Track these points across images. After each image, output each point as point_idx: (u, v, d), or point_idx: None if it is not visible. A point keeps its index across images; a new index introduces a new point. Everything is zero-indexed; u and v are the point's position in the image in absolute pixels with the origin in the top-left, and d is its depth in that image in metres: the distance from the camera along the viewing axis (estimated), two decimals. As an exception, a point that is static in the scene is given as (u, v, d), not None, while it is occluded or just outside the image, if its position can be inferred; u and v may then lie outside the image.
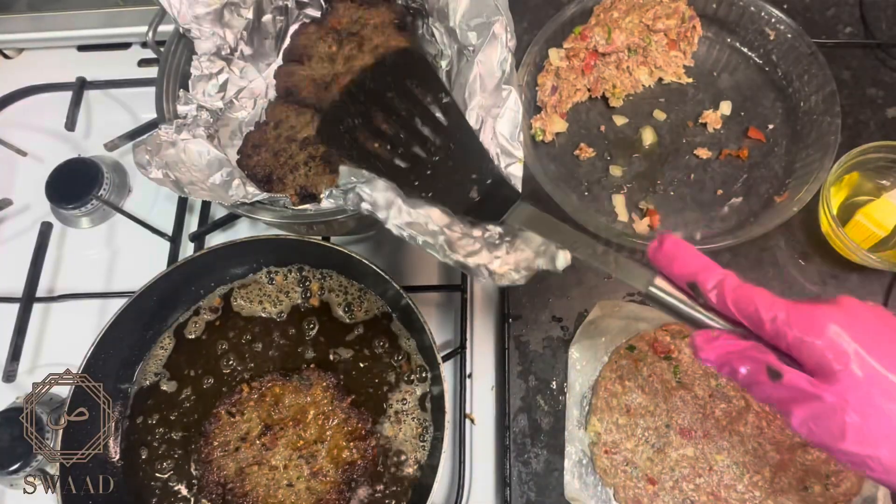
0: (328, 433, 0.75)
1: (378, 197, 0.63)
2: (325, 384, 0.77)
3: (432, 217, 0.64)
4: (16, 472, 0.78)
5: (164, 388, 0.81)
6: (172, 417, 0.80)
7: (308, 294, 0.84)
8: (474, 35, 0.78)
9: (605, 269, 0.54)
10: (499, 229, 0.66)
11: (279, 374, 0.78)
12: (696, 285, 0.48)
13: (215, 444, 0.76)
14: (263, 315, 0.84)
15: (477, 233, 0.67)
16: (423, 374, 0.80)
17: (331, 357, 0.81)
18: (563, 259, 0.59)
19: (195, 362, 0.82)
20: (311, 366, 0.77)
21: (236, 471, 0.75)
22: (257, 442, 0.75)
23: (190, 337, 0.83)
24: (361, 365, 0.81)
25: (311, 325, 0.83)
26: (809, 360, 0.45)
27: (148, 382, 0.82)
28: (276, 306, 0.84)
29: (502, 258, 0.62)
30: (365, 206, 0.64)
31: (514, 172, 0.70)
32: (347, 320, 0.83)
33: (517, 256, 0.62)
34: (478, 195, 0.64)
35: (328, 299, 0.84)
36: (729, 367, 0.47)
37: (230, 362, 0.82)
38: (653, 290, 0.49)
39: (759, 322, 0.46)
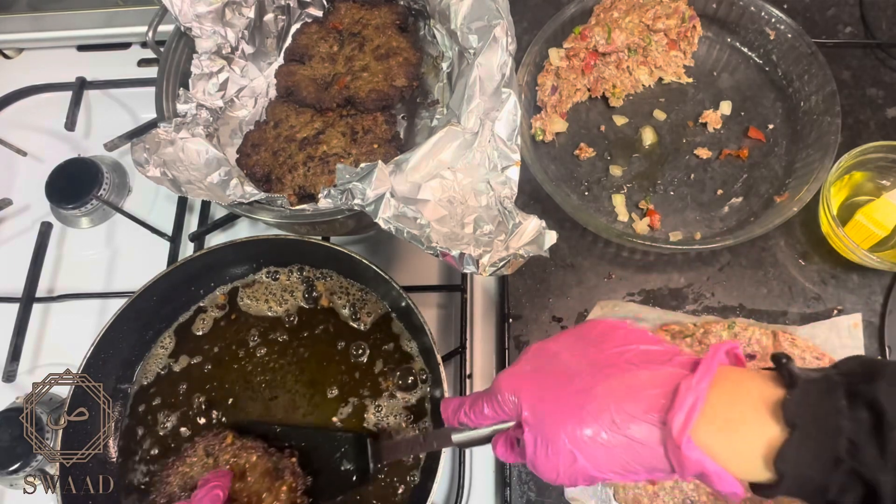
0: None
1: (369, 192, 0.64)
2: (293, 483, 0.71)
3: (423, 212, 0.65)
4: (16, 472, 0.78)
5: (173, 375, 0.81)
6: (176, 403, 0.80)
7: (316, 294, 0.84)
8: (475, 38, 0.78)
9: (431, 450, 0.66)
10: (489, 227, 0.67)
11: (262, 444, 0.73)
12: (461, 423, 0.57)
13: (180, 470, 0.72)
14: (270, 314, 0.84)
15: (468, 230, 0.67)
16: (424, 377, 0.80)
17: (338, 358, 0.81)
18: (549, 240, 0.65)
19: (203, 359, 0.82)
20: (293, 459, 0.72)
21: None
22: None
23: (197, 334, 0.83)
24: (364, 367, 0.81)
25: (323, 329, 0.83)
26: (514, 417, 0.54)
27: (147, 382, 0.81)
28: (282, 306, 0.84)
29: (491, 252, 0.63)
30: (356, 201, 0.64)
31: (512, 175, 0.70)
32: (352, 322, 0.83)
33: (507, 245, 0.63)
34: (348, 465, 0.71)
35: (332, 300, 0.84)
36: (458, 418, 0.58)
37: (242, 363, 0.81)
38: (454, 439, 0.58)
39: (486, 413, 0.55)
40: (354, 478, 0.71)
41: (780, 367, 0.47)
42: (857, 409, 0.42)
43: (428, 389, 0.80)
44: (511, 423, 0.55)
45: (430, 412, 0.79)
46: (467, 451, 0.80)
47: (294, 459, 0.72)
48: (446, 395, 0.74)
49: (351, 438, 0.73)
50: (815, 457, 0.43)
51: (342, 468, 0.71)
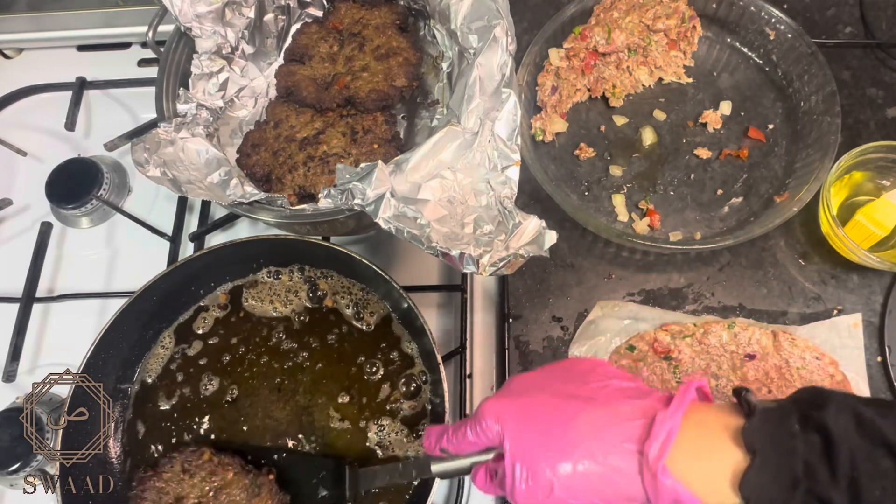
0: None
1: (369, 192, 0.64)
2: (269, 501, 0.72)
3: (423, 212, 0.65)
4: (16, 472, 0.78)
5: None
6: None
7: (321, 294, 0.84)
8: (475, 38, 0.78)
9: (411, 479, 0.68)
10: (489, 227, 0.67)
11: (240, 461, 0.74)
12: (444, 449, 0.58)
13: (155, 486, 0.72)
14: (275, 314, 0.84)
15: (468, 230, 0.67)
16: (424, 378, 0.80)
17: (343, 363, 0.81)
18: (550, 240, 0.65)
19: (204, 359, 0.82)
20: (271, 476, 0.73)
21: None
22: None
23: (198, 332, 0.83)
24: (366, 369, 0.81)
25: (329, 330, 0.83)
26: (496, 444, 0.54)
27: (150, 381, 0.81)
28: (287, 306, 0.84)
29: (491, 252, 0.63)
30: (356, 201, 0.65)
31: (512, 175, 0.70)
32: (356, 322, 0.82)
33: (507, 245, 0.63)
34: (325, 490, 0.71)
35: (335, 300, 0.84)
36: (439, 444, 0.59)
37: (246, 364, 0.81)
38: (434, 469, 0.59)
39: (468, 440, 0.55)
40: None
41: (740, 398, 0.50)
42: (809, 432, 0.46)
43: (428, 392, 0.79)
44: (490, 455, 0.56)
45: (430, 413, 0.79)
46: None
47: (272, 477, 0.72)
48: (446, 395, 0.74)
49: (330, 464, 0.73)
50: (774, 479, 0.45)
51: (319, 494, 0.71)
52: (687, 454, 0.48)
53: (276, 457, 0.75)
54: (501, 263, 0.63)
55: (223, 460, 0.73)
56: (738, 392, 0.51)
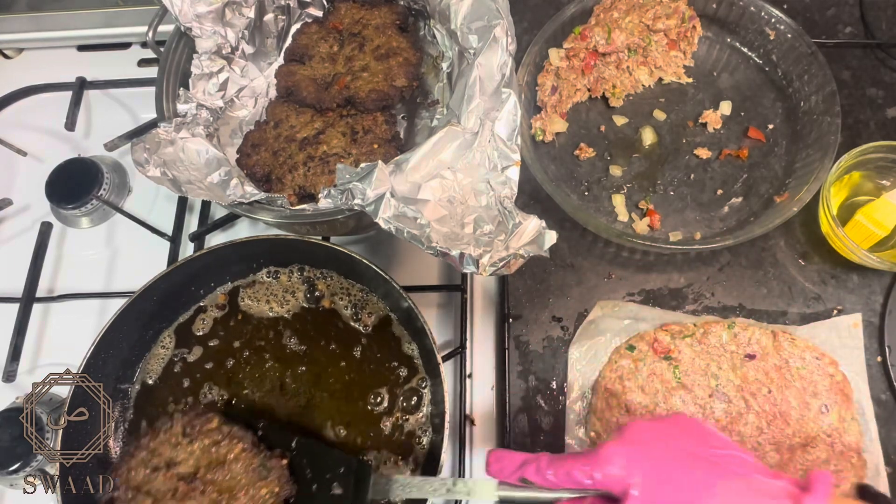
0: None
1: (369, 192, 0.64)
2: (276, 489, 0.66)
3: (423, 212, 0.65)
4: (16, 472, 0.78)
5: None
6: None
7: (318, 294, 0.84)
8: (475, 38, 0.78)
9: (464, 499, 0.60)
10: (489, 227, 0.67)
11: (252, 437, 0.68)
12: (524, 479, 0.55)
13: (148, 447, 0.67)
14: (271, 315, 0.84)
15: (468, 230, 0.67)
16: (423, 380, 0.80)
17: (342, 364, 0.81)
18: (550, 240, 0.64)
19: (204, 359, 0.82)
20: (284, 461, 0.67)
21: (135, 487, 0.66)
22: (176, 481, 0.65)
23: (198, 334, 0.83)
24: (366, 370, 0.81)
25: (326, 330, 0.82)
26: (614, 490, 0.53)
27: (151, 381, 0.81)
28: (283, 306, 0.84)
29: (491, 252, 0.63)
30: (356, 201, 0.64)
31: (512, 175, 0.70)
32: (354, 323, 0.82)
33: (507, 245, 0.63)
34: (340, 489, 0.66)
35: (334, 301, 0.84)
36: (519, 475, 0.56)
37: (241, 364, 0.81)
38: (500, 494, 0.56)
39: (575, 477, 0.53)
40: None
41: (867, 494, 0.52)
42: None
43: (429, 392, 0.79)
44: (576, 495, 0.55)
45: (430, 415, 0.79)
46: (466, 449, 0.80)
47: (285, 462, 0.67)
48: (446, 395, 0.74)
49: (353, 463, 0.66)
50: None
51: (332, 491, 0.66)
52: None
53: (293, 442, 0.69)
54: (501, 263, 0.63)
55: (234, 432, 0.66)
56: (864, 490, 0.53)
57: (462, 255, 0.62)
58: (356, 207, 0.66)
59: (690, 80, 0.97)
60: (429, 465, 0.76)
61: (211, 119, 0.87)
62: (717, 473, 0.51)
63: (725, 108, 0.94)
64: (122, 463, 0.68)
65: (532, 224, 0.66)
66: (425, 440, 0.78)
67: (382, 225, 0.64)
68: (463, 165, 0.72)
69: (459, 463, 0.79)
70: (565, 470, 0.54)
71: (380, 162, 0.66)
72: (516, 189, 0.70)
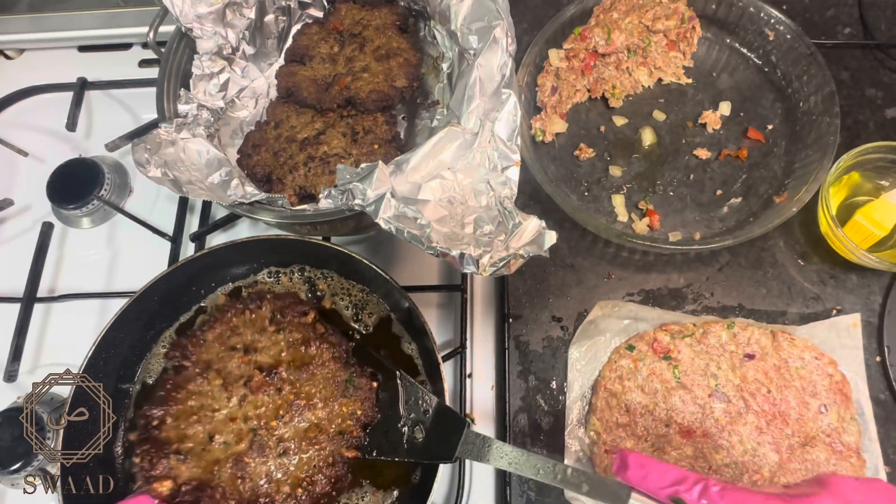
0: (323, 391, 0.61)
1: (369, 192, 0.64)
2: (359, 411, 0.63)
3: (423, 213, 0.65)
4: (16, 471, 0.78)
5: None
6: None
7: (320, 295, 0.84)
8: (475, 39, 0.78)
9: (574, 491, 0.53)
10: (489, 227, 0.67)
11: (347, 347, 0.63)
12: (680, 500, 0.48)
13: (230, 322, 0.60)
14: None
15: (468, 230, 0.67)
16: (423, 382, 0.80)
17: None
18: (550, 240, 0.62)
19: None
20: (374, 384, 0.62)
21: (205, 362, 0.61)
22: (252, 369, 0.60)
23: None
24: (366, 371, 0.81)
25: (325, 330, 0.82)
26: None
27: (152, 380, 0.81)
28: None
29: (491, 252, 0.63)
30: (357, 202, 0.65)
31: (512, 175, 0.71)
32: (354, 324, 0.82)
33: (507, 246, 0.63)
34: (422, 434, 0.62)
35: (334, 301, 0.84)
36: None
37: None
38: None
39: None
40: (421, 453, 0.60)
41: None
42: None
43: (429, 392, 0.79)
44: None
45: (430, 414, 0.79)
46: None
47: (375, 385, 0.62)
48: (446, 395, 0.74)
49: (447, 411, 0.61)
50: None
51: (414, 435, 0.61)
52: None
53: (390, 371, 0.64)
54: (501, 263, 0.63)
55: (328, 335, 0.62)
56: None
57: (462, 255, 0.62)
58: (357, 208, 0.66)
59: (690, 80, 0.97)
60: (428, 465, 0.76)
61: (212, 119, 0.87)
62: None
63: (725, 108, 0.95)
64: (198, 333, 0.64)
65: (532, 224, 0.66)
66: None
67: (383, 225, 0.64)
68: (463, 166, 0.72)
69: (459, 463, 0.79)
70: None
71: (380, 162, 0.66)
72: (516, 189, 0.70)
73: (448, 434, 0.60)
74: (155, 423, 0.62)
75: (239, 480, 0.59)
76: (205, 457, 0.59)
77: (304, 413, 0.60)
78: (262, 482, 0.59)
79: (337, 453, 0.60)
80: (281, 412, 0.60)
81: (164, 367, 0.65)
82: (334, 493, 0.61)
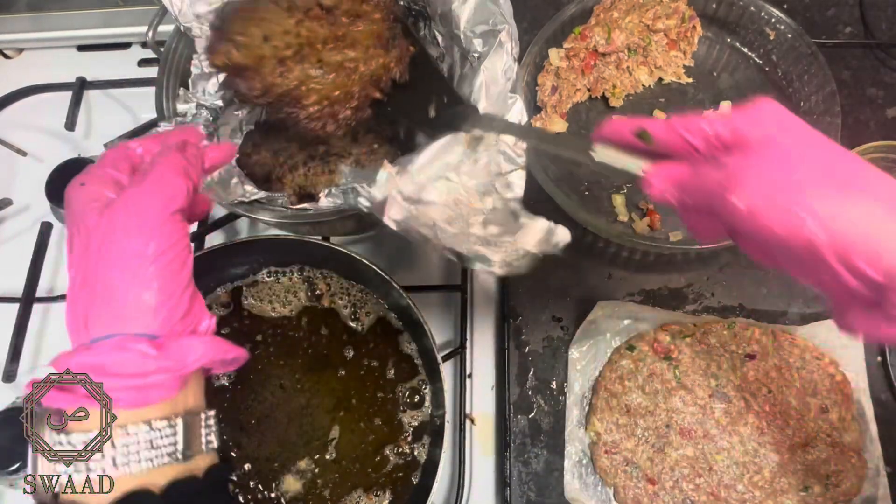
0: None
1: (376, 193, 0.64)
2: (391, 65, 0.70)
3: (430, 213, 0.65)
4: (16, 471, 0.78)
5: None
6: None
7: (319, 294, 0.84)
8: (480, 42, 0.78)
9: (552, 150, 0.58)
10: (496, 228, 0.67)
11: (398, 11, 0.72)
12: (643, 130, 0.49)
13: None
14: (274, 315, 0.84)
15: (476, 230, 0.67)
16: (423, 382, 0.80)
17: (340, 368, 0.81)
18: (562, 238, 0.64)
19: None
20: (413, 48, 0.71)
21: None
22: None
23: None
24: (366, 371, 0.81)
25: (324, 330, 0.82)
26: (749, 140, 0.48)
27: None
28: (286, 306, 0.84)
29: (501, 251, 0.63)
30: (363, 201, 0.64)
31: (517, 178, 0.70)
32: (352, 323, 0.82)
33: (516, 245, 0.63)
34: (434, 112, 0.69)
35: (333, 301, 0.84)
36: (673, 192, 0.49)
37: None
38: (593, 153, 0.50)
39: (707, 134, 0.49)
40: (430, 123, 0.68)
41: None
42: None
43: (429, 392, 0.79)
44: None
45: (431, 415, 0.79)
46: (467, 450, 0.80)
47: (413, 49, 0.71)
48: (446, 395, 0.74)
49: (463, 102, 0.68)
50: None
51: (428, 112, 0.69)
52: None
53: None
54: (514, 262, 0.63)
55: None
56: None
57: (472, 254, 0.62)
58: (363, 208, 0.65)
59: (690, 80, 0.97)
60: (428, 465, 0.76)
61: (211, 119, 0.87)
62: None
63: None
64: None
65: (540, 224, 0.66)
66: (427, 437, 0.78)
67: (392, 226, 0.63)
68: (468, 168, 0.72)
69: (459, 462, 0.79)
70: (697, 126, 0.49)
71: (385, 162, 0.66)
72: (522, 192, 0.70)
73: (457, 115, 0.67)
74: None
75: (278, 74, 0.66)
76: (255, 51, 0.66)
77: (346, 51, 0.68)
78: (294, 84, 0.67)
79: (364, 91, 0.69)
80: (329, 42, 0.68)
81: None
82: (353, 120, 0.71)
